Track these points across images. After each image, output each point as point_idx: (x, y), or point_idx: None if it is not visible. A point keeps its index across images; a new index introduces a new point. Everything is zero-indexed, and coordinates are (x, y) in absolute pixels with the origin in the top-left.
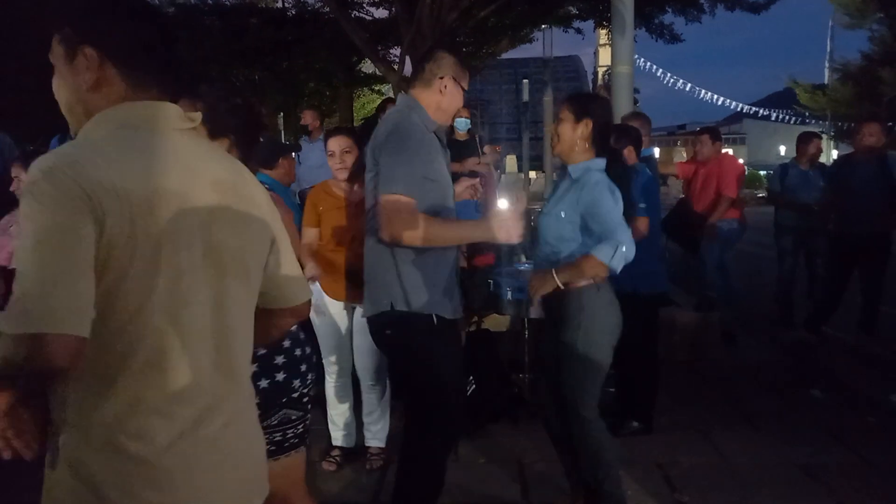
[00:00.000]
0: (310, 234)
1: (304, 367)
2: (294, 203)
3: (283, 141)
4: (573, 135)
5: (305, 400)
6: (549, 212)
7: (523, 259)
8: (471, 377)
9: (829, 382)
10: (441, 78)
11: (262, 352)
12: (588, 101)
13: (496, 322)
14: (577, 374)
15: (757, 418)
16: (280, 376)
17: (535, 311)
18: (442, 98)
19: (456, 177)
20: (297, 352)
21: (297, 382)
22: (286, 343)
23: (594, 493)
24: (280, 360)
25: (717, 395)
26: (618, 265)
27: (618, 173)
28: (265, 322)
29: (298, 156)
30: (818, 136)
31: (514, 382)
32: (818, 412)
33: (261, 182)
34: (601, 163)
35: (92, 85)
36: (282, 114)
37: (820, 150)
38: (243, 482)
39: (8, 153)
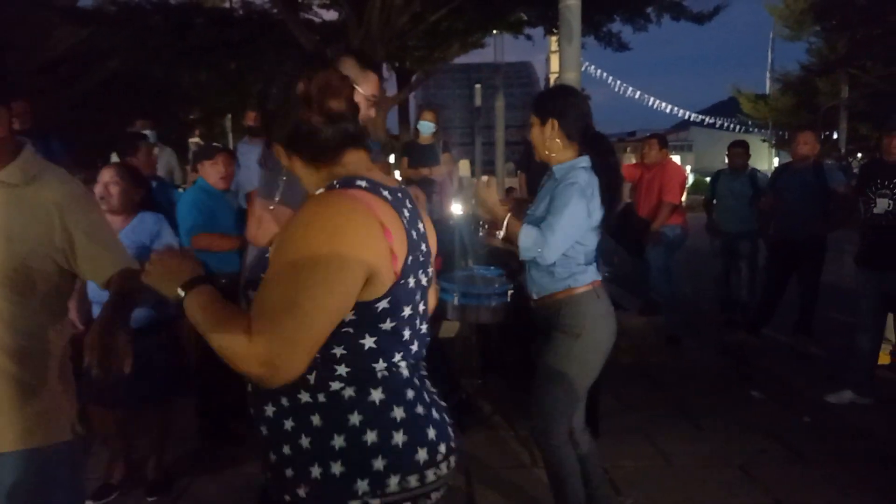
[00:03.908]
0: None
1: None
2: (229, 205)
3: (230, 144)
4: (542, 137)
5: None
6: (532, 214)
7: (472, 264)
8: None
9: (768, 383)
10: None
11: (379, 397)
12: (548, 100)
13: (445, 328)
14: (556, 392)
15: (699, 419)
16: (399, 438)
17: (485, 317)
18: None
19: (418, 182)
20: (420, 409)
21: (421, 454)
22: (409, 394)
23: None
24: (400, 413)
25: (662, 397)
26: (525, 254)
27: (599, 168)
28: None
29: (238, 157)
30: (739, 146)
31: (463, 389)
32: (758, 412)
33: (196, 185)
34: (586, 160)
35: None
36: (229, 115)
37: (740, 158)
38: None
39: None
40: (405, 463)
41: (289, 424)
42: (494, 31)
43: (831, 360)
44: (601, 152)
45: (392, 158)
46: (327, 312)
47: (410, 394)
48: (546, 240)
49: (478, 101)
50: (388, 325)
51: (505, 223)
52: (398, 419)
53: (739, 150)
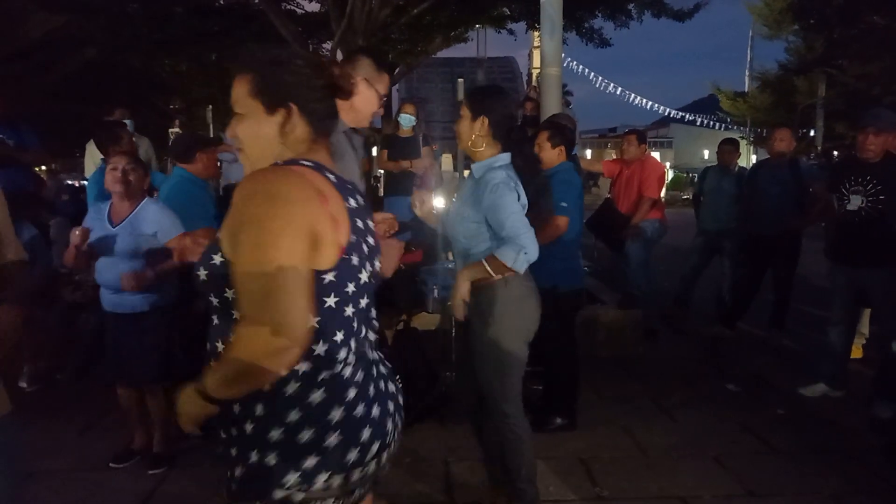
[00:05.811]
0: None
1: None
2: (211, 197)
3: (210, 135)
4: (469, 132)
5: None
6: (455, 211)
7: (450, 257)
8: (397, 376)
9: (742, 376)
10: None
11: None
12: (483, 97)
13: (425, 320)
14: (490, 370)
15: (675, 411)
16: (332, 439)
17: (460, 315)
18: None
19: (398, 175)
20: (361, 409)
21: (353, 455)
22: (350, 393)
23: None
24: (338, 414)
25: (639, 389)
26: (521, 267)
27: (522, 167)
28: None
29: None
30: (729, 143)
31: (442, 381)
32: (732, 404)
33: (178, 175)
34: (504, 158)
35: None
36: (210, 106)
37: (730, 156)
38: None
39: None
40: (335, 463)
41: (237, 408)
42: (477, 26)
43: (805, 354)
44: (525, 154)
45: (375, 151)
46: (295, 273)
47: (352, 393)
48: (521, 243)
49: (460, 96)
50: (332, 300)
51: (486, 264)
52: (335, 420)
53: (729, 148)
